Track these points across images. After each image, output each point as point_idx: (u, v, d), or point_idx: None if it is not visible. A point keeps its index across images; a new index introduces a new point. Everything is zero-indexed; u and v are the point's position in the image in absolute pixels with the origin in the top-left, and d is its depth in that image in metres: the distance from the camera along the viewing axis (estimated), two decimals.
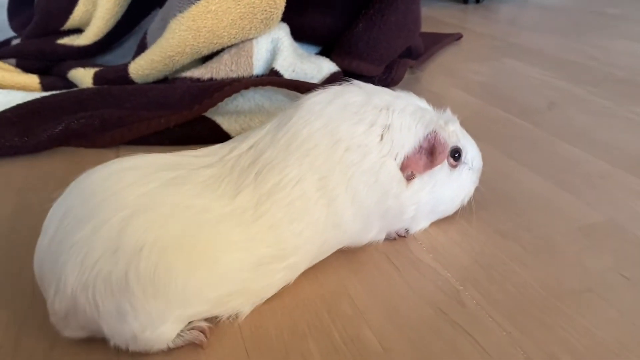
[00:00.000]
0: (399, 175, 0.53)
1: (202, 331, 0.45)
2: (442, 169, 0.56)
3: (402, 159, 0.53)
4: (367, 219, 0.53)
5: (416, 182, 0.54)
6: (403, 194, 0.54)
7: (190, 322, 0.45)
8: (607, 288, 0.52)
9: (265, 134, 0.52)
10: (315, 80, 0.96)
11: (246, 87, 0.85)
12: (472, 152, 0.60)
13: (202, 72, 0.94)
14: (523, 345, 0.45)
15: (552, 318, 0.48)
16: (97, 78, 0.97)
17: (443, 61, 1.32)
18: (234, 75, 0.94)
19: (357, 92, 0.55)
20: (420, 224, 0.60)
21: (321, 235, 0.50)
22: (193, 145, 0.79)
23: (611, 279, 0.53)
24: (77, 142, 0.82)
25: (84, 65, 1.01)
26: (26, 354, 0.45)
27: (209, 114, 0.86)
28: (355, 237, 0.54)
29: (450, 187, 0.58)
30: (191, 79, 0.94)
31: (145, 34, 1.03)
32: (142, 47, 1.01)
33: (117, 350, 0.43)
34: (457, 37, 1.52)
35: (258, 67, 0.96)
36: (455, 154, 0.57)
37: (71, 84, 1.01)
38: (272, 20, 0.93)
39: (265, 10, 0.91)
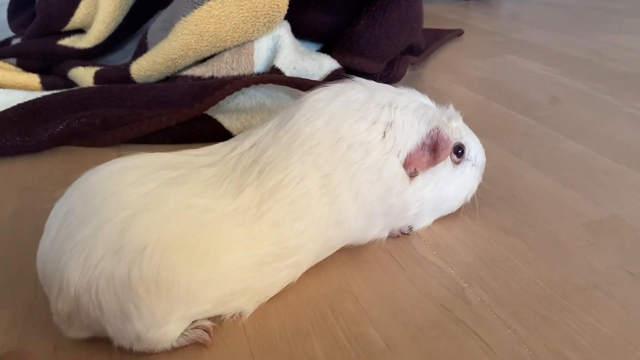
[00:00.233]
0: (402, 172, 0.53)
1: (206, 330, 0.45)
2: (445, 165, 0.56)
3: (405, 156, 0.53)
4: (370, 217, 0.53)
5: (419, 179, 0.54)
6: (406, 191, 0.53)
7: (194, 322, 0.45)
8: (612, 284, 0.51)
9: (267, 132, 0.52)
10: (316, 78, 0.96)
11: (247, 85, 0.85)
12: (475, 149, 0.59)
13: (203, 71, 0.94)
14: (528, 342, 0.45)
15: (557, 315, 0.48)
16: (97, 77, 0.97)
17: (444, 57, 1.32)
18: (235, 73, 0.94)
19: (359, 89, 0.55)
20: (423, 221, 0.60)
21: (324, 234, 0.50)
22: (194, 143, 0.79)
23: (616, 275, 0.53)
24: (78, 141, 0.82)
25: (84, 65, 1.01)
26: None
27: (210, 112, 0.85)
28: (358, 234, 0.54)
29: (454, 184, 0.57)
30: (192, 77, 0.94)
31: (146, 33, 1.02)
32: (142, 47, 1.01)
33: (121, 350, 0.43)
34: (459, 33, 1.52)
35: (259, 64, 0.96)
36: (459, 151, 0.57)
37: (72, 83, 1.01)
38: (274, 22, 0.93)
39: (268, 14, 0.91)
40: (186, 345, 0.45)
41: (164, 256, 0.41)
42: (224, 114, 0.86)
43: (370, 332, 0.46)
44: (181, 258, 0.42)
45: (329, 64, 0.99)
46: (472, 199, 0.61)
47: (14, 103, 0.84)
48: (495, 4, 2.06)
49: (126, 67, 0.96)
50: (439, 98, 0.61)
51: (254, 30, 0.92)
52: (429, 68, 1.22)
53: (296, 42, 1.01)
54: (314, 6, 1.06)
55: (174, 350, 0.44)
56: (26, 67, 1.06)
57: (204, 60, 0.97)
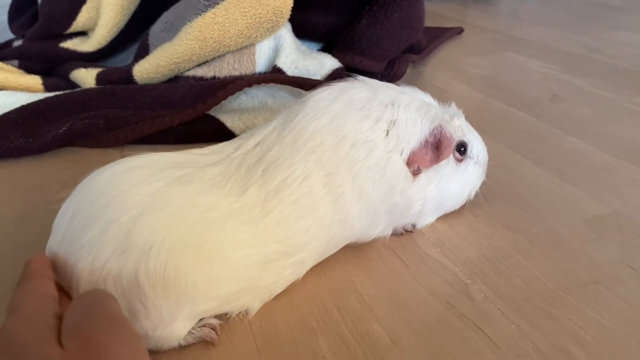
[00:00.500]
0: (405, 170, 0.53)
1: (213, 328, 0.46)
2: (448, 163, 0.56)
3: (408, 154, 0.53)
4: (373, 215, 0.53)
5: (422, 177, 0.54)
6: (409, 189, 0.54)
7: (201, 320, 0.46)
8: (614, 280, 0.52)
9: (271, 131, 0.52)
10: (317, 77, 0.96)
11: (249, 85, 0.85)
12: (477, 146, 0.60)
13: (205, 71, 0.94)
14: (532, 337, 0.45)
15: (559, 310, 0.48)
16: (99, 79, 0.97)
17: (445, 55, 1.32)
18: (236, 73, 0.95)
19: (362, 88, 0.55)
20: (427, 219, 0.60)
21: (328, 232, 0.50)
22: (197, 143, 0.79)
23: (618, 271, 0.53)
24: (81, 142, 0.82)
25: (86, 66, 1.01)
26: None
27: (213, 112, 0.86)
28: (362, 232, 0.55)
29: (457, 182, 0.58)
30: (194, 78, 0.94)
31: (147, 35, 1.03)
32: (144, 49, 1.01)
33: None
34: (459, 31, 1.52)
35: (261, 64, 0.96)
36: (461, 148, 0.57)
37: (74, 85, 1.01)
38: (277, 27, 0.93)
39: (272, 20, 0.91)
40: (193, 344, 0.45)
41: (170, 255, 0.41)
42: (227, 114, 0.86)
43: (375, 328, 0.47)
44: (187, 257, 0.42)
45: (331, 63, 1.00)
46: (476, 196, 0.61)
47: (17, 105, 0.85)
48: (494, 1, 2.06)
49: (128, 69, 0.96)
50: (440, 96, 0.61)
51: (257, 35, 0.93)
52: (429, 66, 1.23)
53: (297, 41, 1.01)
54: (315, 6, 1.06)
55: (182, 348, 0.45)
56: (28, 69, 1.07)
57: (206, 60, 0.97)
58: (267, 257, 0.46)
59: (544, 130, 0.86)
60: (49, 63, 1.08)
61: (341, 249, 0.55)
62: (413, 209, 0.56)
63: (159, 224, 0.42)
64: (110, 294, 0.37)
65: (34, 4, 1.22)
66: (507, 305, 0.49)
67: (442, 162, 0.56)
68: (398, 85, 0.59)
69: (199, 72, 0.94)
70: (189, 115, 0.83)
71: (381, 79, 0.60)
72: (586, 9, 1.87)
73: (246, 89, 0.88)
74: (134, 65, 0.96)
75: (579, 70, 1.16)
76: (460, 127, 0.58)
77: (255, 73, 0.95)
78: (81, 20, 1.11)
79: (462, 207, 0.62)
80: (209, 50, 0.91)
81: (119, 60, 1.14)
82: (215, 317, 0.47)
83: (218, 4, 0.88)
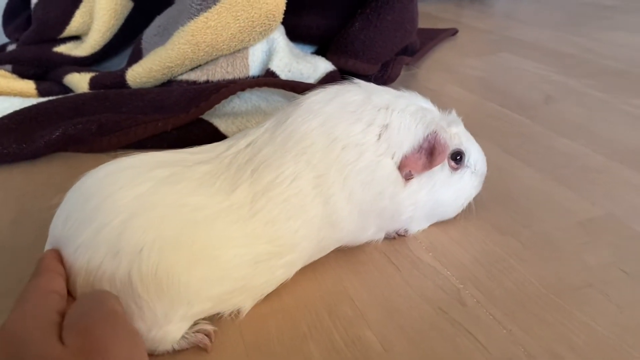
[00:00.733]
0: (395, 174, 0.53)
1: (207, 334, 0.46)
2: (443, 170, 0.56)
3: (400, 158, 0.53)
4: (363, 218, 0.53)
5: (414, 182, 0.54)
6: (400, 193, 0.54)
7: (195, 324, 0.46)
8: (606, 283, 0.52)
9: (263, 132, 0.52)
10: (311, 80, 0.96)
11: (242, 89, 0.85)
12: (475, 156, 0.59)
13: (198, 75, 0.94)
14: (523, 342, 0.45)
15: (552, 314, 0.48)
16: (93, 83, 0.97)
17: (439, 57, 1.32)
18: (230, 77, 0.94)
19: (357, 91, 0.55)
20: (419, 225, 0.60)
21: (318, 233, 0.50)
22: (190, 147, 0.79)
23: (611, 274, 0.53)
24: (74, 147, 0.82)
25: (79, 71, 1.01)
26: None
27: (206, 116, 0.86)
28: (352, 236, 0.55)
29: (450, 190, 0.57)
30: (187, 82, 0.94)
31: (141, 39, 1.03)
32: (137, 53, 1.01)
33: None
34: (453, 32, 1.52)
35: (254, 68, 0.96)
36: (457, 157, 0.57)
37: (67, 89, 1.01)
38: (270, 30, 0.93)
39: (264, 24, 0.91)
40: (186, 349, 0.45)
41: (161, 256, 0.41)
42: (220, 118, 0.86)
43: (367, 334, 0.47)
44: (178, 257, 0.42)
45: (324, 66, 1.00)
46: (469, 205, 0.61)
47: (10, 110, 0.85)
48: (488, 2, 2.06)
49: (122, 73, 0.96)
50: (434, 98, 0.61)
51: (250, 39, 0.93)
52: (423, 68, 1.23)
53: (290, 44, 1.01)
54: (309, 9, 1.06)
55: (175, 352, 0.45)
56: (22, 73, 1.07)
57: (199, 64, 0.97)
58: (258, 257, 0.46)
59: (538, 132, 0.86)
60: (42, 67, 1.08)
61: (333, 253, 0.55)
62: (404, 214, 0.56)
63: (148, 225, 0.42)
64: (112, 294, 0.38)
65: (28, 8, 1.21)
66: (499, 310, 0.49)
67: (436, 169, 0.55)
68: (397, 89, 0.59)
69: (192, 76, 0.94)
70: (183, 120, 0.82)
71: (374, 82, 0.60)
72: (580, 9, 1.87)
73: (239, 93, 0.88)
74: (127, 69, 0.96)
75: (573, 71, 1.16)
76: (457, 135, 0.57)
77: (248, 76, 0.95)
78: (75, 24, 1.11)
79: None
80: (202, 54, 0.91)
81: (113, 65, 1.14)
82: (207, 319, 0.47)
83: (210, 7, 0.88)
